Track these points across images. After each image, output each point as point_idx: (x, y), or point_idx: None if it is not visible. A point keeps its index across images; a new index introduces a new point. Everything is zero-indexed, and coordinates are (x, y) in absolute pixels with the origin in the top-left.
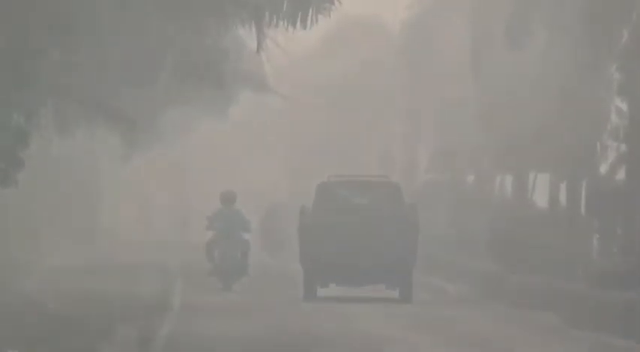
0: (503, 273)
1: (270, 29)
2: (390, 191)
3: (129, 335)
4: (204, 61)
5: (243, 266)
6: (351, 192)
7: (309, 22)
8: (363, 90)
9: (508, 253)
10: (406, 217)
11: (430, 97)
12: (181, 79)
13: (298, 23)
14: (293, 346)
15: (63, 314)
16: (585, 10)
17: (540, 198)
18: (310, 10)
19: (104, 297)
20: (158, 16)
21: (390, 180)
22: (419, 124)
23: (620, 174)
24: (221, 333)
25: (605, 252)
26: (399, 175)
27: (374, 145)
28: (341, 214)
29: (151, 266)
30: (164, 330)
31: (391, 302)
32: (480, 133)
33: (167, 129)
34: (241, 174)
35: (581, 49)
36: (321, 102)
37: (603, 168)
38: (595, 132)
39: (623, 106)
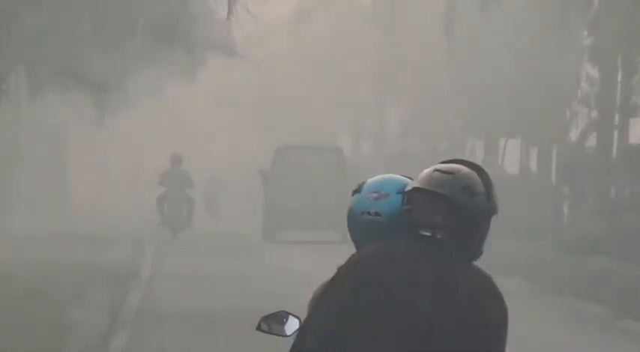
0: None
1: None
2: (333, 154)
3: (98, 302)
4: (173, 25)
5: (188, 219)
6: (302, 155)
7: None
8: (336, 58)
9: None
10: (341, 168)
11: (402, 63)
12: (151, 43)
13: None
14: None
15: (30, 282)
16: None
17: (511, 164)
18: None
19: (71, 265)
20: None
21: (336, 146)
22: (391, 90)
23: (591, 141)
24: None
25: (575, 218)
26: (370, 141)
27: (346, 112)
28: (294, 172)
29: (119, 234)
30: (133, 296)
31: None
32: (452, 98)
33: (136, 92)
34: (211, 140)
35: (552, 15)
36: (293, 69)
37: (574, 135)
38: (566, 99)
39: (594, 73)
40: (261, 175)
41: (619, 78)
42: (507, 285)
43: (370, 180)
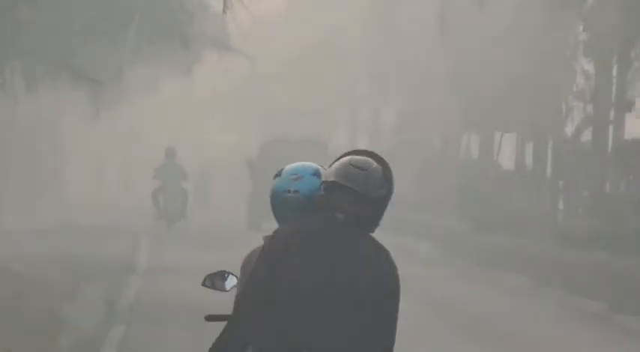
0: (470, 233)
1: None
2: (317, 147)
3: (94, 296)
4: (168, 21)
5: (182, 210)
6: (288, 149)
7: None
8: (330, 52)
9: (474, 213)
10: (323, 161)
11: (396, 58)
12: (146, 39)
13: None
14: None
15: (27, 276)
16: None
17: (506, 159)
18: None
19: (69, 259)
20: None
21: (319, 140)
22: (385, 85)
23: (586, 136)
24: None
25: (570, 213)
26: (365, 137)
27: (340, 107)
28: (278, 163)
29: (115, 228)
30: (130, 290)
31: None
32: (447, 93)
33: (132, 87)
34: (204, 134)
35: (547, 10)
36: (287, 64)
37: (569, 130)
38: (561, 93)
39: (590, 67)
40: (248, 165)
41: (614, 73)
42: (504, 280)
43: (288, 166)
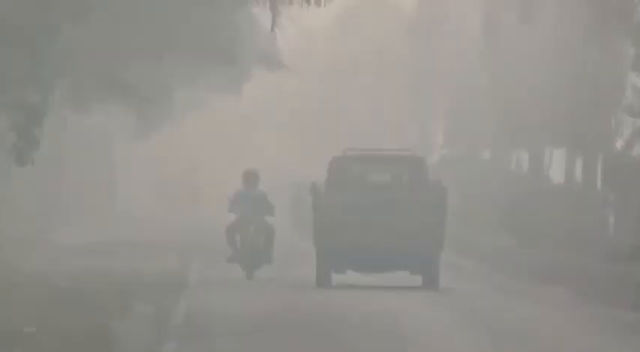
0: (518, 248)
1: (284, 6)
2: (413, 166)
3: (143, 313)
4: (217, 38)
5: (266, 253)
6: (369, 167)
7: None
8: (377, 66)
9: (523, 228)
10: (432, 197)
11: (444, 73)
12: (195, 56)
13: (312, 1)
14: (307, 324)
15: (76, 292)
16: None
17: (557, 174)
18: None
19: (118, 275)
20: None
21: (414, 153)
22: (433, 100)
23: (636, 149)
24: (236, 312)
25: (620, 226)
26: (413, 152)
27: (388, 122)
28: (357, 192)
29: (165, 245)
30: (180, 308)
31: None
32: (495, 108)
33: (181, 105)
34: (253, 150)
35: (595, 25)
36: (336, 77)
37: (619, 144)
38: (610, 108)
39: (638, 81)
40: (312, 193)
41: None
42: (552, 295)
43: None
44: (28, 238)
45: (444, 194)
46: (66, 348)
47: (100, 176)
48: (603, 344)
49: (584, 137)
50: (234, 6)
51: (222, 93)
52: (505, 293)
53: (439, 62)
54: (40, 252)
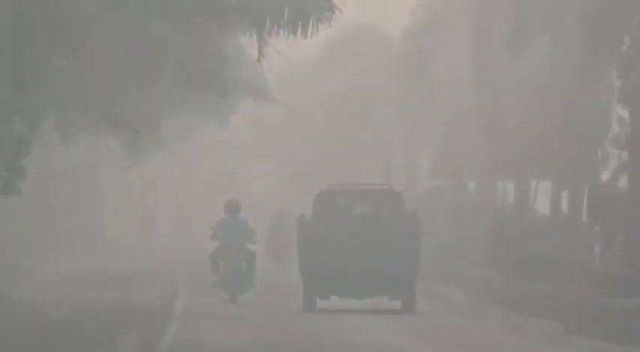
0: (505, 280)
1: (271, 37)
2: (392, 200)
3: (130, 343)
4: (205, 68)
5: (248, 277)
6: (351, 200)
7: (309, 31)
8: (364, 97)
9: (510, 260)
10: (408, 227)
11: (431, 104)
12: (183, 87)
13: (299, 32)
14: None
15: (64, 322)
16: (586, 16)
17: (542, 206)
18: (311, 19)
19: (105, 305)
20: (160, 22)
21: (392, 188)
22: (420, 131)
23: (622, 182)
24: (222, 342)
25: (606, 259)
26: (400, 182)
27: (375, 152)
28: (341, 224)
29: (153, 275)
30: (166, 338)
31: (391, 311)
32: (481, 140)
33: (169, 136)
34: (242, 180)
35: (582, 57)
36: (322, 110)
37: (605, 176)
38: (596, 140)
39: (625, 114)
40: (299, 224)
41: None
42: (540, 327)
43: None
44: (17, 267)
45: (419, 224)
46: None
47: (87, 204)
48: None
49: (571, 168)
50: (222, 36)
51: (209, 124)
52: (494, 327)
53: (427, 94)
54: (28, 281)
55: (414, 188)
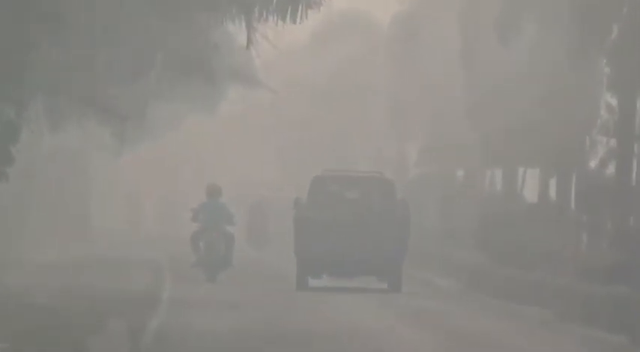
0: (492, 267)
1: (260, 24)
2: (383, 186)
3: (118, 329)
4: (194, 56)
5: (227, 258)
6: (344, 186)
7: (298, 17)
8: (353, 85)
9: (497, 247)
10: (396, 212)
11: (419, 92)
12: (171, 74)
13: (288, 18)
14: (282, 337)
15: (52, 309)
16: (575, 4)
17: (530, 193)
18: (300, 5)
19: (93, 292)
20: (148, 11)
21: (383, 175)
22: (408, 119)
23: (610, 169)
24: (210, 326)
25: (594, 246)
26: (388, 169)
27: (363, 139)
28: (334, 208)
29: (140, 262)
30: (153, 324)
31: (380, 292)
32: (470, 128)
33: (157, 123)
34: (231, 167)
35: (570, 44)
36: (311, 96)
37: (593, 163)
38: (585, 128)
39: (613, 101)
40: (296, 206)
41: (638, 106)
42: (527, 314)
43: None
44: (3, 254)
45: (408, 210)
46: None
47: (75, 191)
48: None
49: (559, 156)
50: (210, 24)
51: (198, 111)
52: (484, 314)
53: (416, 81)
54: (15, 268)
55: (403, 175)
